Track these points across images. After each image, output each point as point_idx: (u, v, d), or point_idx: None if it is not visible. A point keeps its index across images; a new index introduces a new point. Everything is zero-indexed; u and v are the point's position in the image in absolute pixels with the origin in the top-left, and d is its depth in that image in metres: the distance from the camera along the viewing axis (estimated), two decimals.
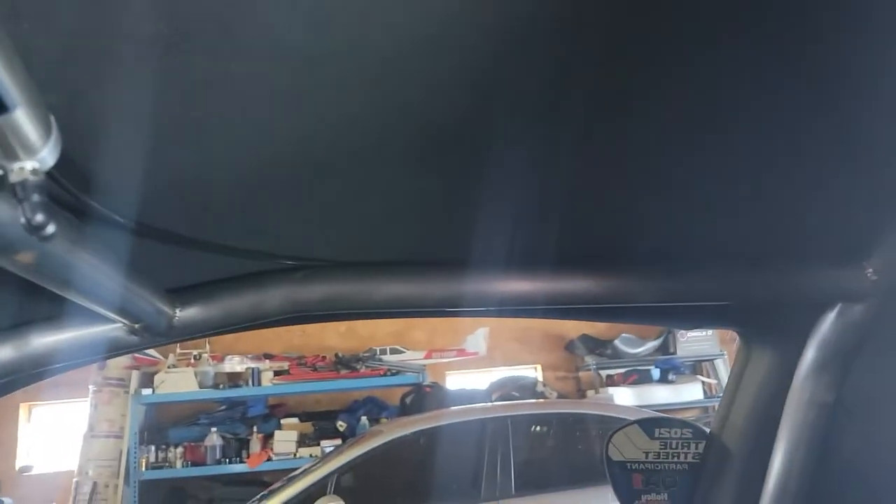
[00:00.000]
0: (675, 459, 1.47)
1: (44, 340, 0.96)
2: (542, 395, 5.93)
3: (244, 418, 6.35)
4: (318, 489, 3.97)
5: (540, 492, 4.05)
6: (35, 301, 0.87)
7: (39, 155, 0.49)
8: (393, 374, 6.20)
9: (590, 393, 6.62)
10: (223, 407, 6.43)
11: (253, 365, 6.14)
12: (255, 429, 6.19)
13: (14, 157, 0.48)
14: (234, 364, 6.16)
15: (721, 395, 1.63)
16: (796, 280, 1.17)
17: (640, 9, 0.64)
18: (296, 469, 4.79)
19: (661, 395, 6.22)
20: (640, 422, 1.53)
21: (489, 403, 5.19)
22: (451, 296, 1.12)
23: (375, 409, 6.31)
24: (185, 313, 1.03)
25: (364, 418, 6.14)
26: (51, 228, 0.53)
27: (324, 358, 6.25)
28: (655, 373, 6.42)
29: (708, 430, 1.51)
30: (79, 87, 0.61)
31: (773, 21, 0.66)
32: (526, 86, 0.73)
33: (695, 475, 1.46)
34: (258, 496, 4.28)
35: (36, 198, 0.52)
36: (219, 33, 0.58)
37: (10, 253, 0.61)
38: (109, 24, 0.54)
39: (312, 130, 0.75)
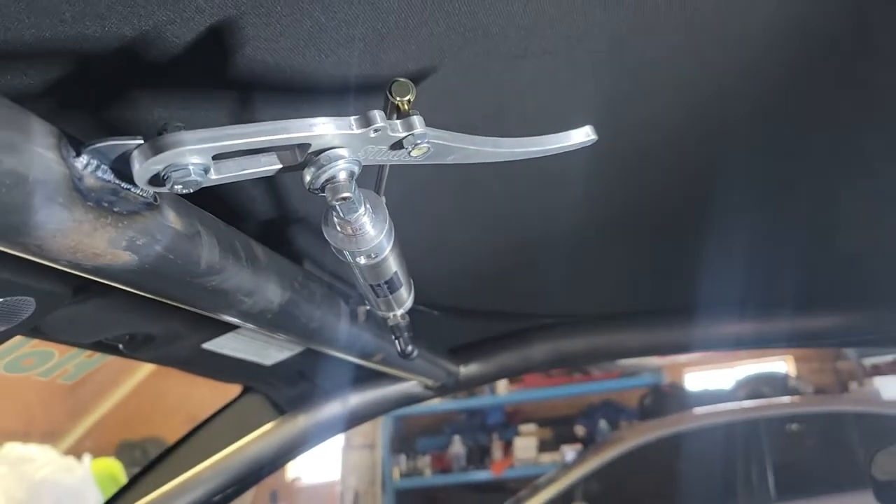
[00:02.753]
0: None
1: (362, 398, 1.32)
2: (795, 391, 5.54)
3: (483, 426, 6.58)
4: (566, 496, 3.97)
5: (802, 498, 3.73)
6: (357, 370, 1.13)
7: (406, 305, 0.71)
8: (628, 376, 6.09)
9: (852, 385, 6.00)
10: (463, 416, 6.68)
11: None
12: (494, 436, 6.37)
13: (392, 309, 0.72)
14: None
15: None
16: None
17: None
18: (538, 475, 4.83)
19: None
20: None
21: (736, 403, 4.88)
22: (687, 339, 1.30)
23: (613, 412, 6.22)
24: (468, 370, 1.30)
25: (603, 422, 6.07)
26: (415, 353, 0.91)
27: None
28: None
29: None
30: None
31: None
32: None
33: None
34: (507, 502, 4.37)
35: (406, 334, 0.85)
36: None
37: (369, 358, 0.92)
38: None
39: (566, 212, 0.86)
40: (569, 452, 5.82)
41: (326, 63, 0.50)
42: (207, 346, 0.95)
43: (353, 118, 0.42)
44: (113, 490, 3.69)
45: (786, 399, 4.99)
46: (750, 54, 0.60)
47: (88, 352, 0.90)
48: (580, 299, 1.26)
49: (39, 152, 0.35)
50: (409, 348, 0.93)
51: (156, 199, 0.44)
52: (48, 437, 4.52)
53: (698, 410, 4.61)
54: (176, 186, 0.38)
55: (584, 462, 4.28)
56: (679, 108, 0.65)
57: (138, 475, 1.39)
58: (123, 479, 3.87)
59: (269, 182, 0.65)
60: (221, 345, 0.96)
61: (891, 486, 1.34)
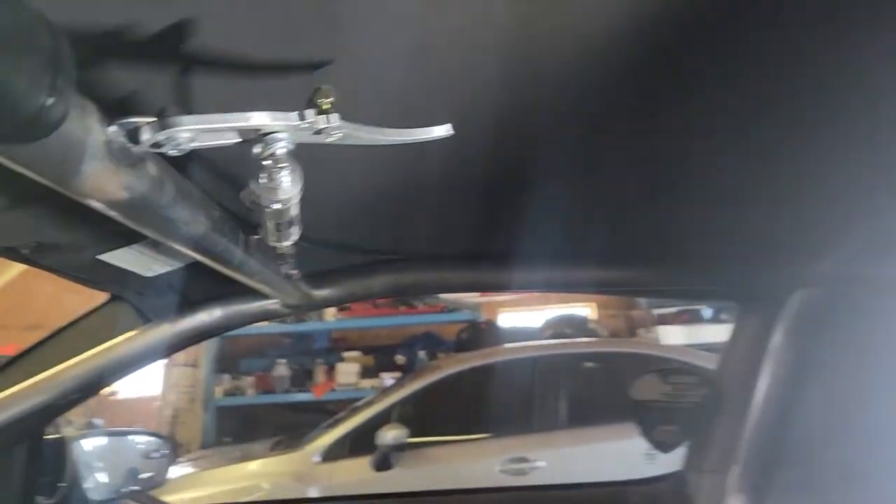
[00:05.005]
0: (684, 399, 1.69)
1: (226, 311, 1.46)
2: (593, 334, 6.07)
3: (309, 351, 6.76)
4: (382, 419, 4.23)
5: (587, 425, 4.24)
6: (220, 284, 1.23)
7: (293, 238, 0.92)
8: (449, 311, 6.48)
9: (640, 332, 6.77)
10: (290, 340, 6.84)
11: None
12: (318, 360, 6.57)
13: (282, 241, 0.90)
14: None
15: None
16: (767, 269, 1.51)
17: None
18: (358, 399, 5.08)
19: (712, 334, 6.26)
20: (656, 371, 1.76)
21: (541, 341, 5.38)
22: (507, 279, 1.54)
23: (433, 343, 6.61)
24: (321, 293, 1.49)
25: (422, 352, 6.46)
26: (296, 275, 1.28)
27: None
28: (707, 312, 6.49)
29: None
30: None
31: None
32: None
33: (698, 410, 1.70)
34: (326, 423, 4.61)
35: (291, 260, 1.15)
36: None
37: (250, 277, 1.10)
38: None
39: (411, 165, 0.99)
40: (388, 379, 6.13)
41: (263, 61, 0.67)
42: (102, 256, 1.08)
43: (295, 114, 0.60)
44: None
45: (584, 339, 5.56)
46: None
47: None
48: (415, 239, 1.43)
49: (94, 125, 0.52)
50: (293, 271, 1.21)
51: (144, 156, 0.61)
52: None
53: (508, 345, 5.04)
54: (170, 151, 0.56)
55: (402, 387, 4.57)
56: (521, 57, 0.73)
57: None
58: None
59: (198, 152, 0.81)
60: (114, 257, 1.09)
61: (644, 405, 1.73)
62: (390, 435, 3.96)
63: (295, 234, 0.89)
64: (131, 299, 1.39)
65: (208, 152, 0.82)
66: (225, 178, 0.91)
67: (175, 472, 4.18)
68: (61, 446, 1.62)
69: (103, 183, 0.57)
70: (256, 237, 0.98)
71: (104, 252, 1.07)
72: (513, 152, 0.97)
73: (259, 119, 0.59)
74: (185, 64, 0.65)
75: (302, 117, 0.60)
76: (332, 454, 4.22)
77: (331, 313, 6.51)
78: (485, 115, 0.83)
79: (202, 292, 1.43)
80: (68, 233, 0.98)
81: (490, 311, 6.79)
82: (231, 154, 0.65)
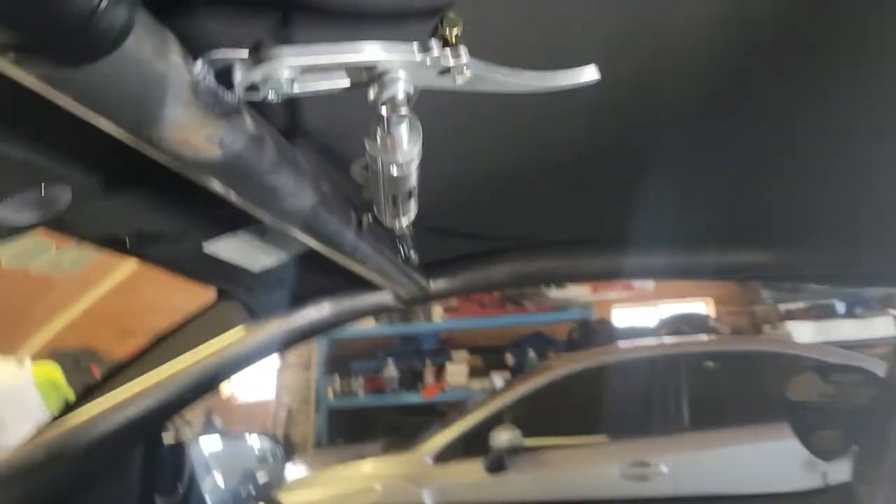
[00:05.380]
0: (849, 401, 1.50)
1: (337, 306, 1.41)
2: (714, 331, 5.80)
3: (417, 351, 6.76)
4: (495, 420, 4.13)
5: (714, 428, 4.01)
6: (328, 277, 1.21)
7: (411, 216, 0.82)
8: (559, 310, 6.31)
9: (766, 328, 6.35)
10: (397, 341, 6.84)
11: None
12: (427, 361, 6.56)
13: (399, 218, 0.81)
14: None
15: None
16: None
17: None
18: (467, 401, 5.01)
19: (847, 330, 5.78)
20: (815, 369, 1.56)
21: (658, 339, 5.15)
22: (625, 266, 1.45)
23: (543, 343, 6.45)
24: (436, 284, 1.42)
25: (532, 352, 6.31)
26: (416, 259, 1.13)
27: (491, 294, 6.44)
28: (840, 306, 6.00)
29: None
30: None
31: None
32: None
33: (867, 414, 1.49)
34: (438, 423, 4.55)
35: (410, 241, 1.03)
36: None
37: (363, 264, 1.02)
38: None
39: (534, 148, 0.94)
40: (498, 379, 6.04)
41: None
42: (207, 246, 1.02)
43: (415, 44, 0.49)
44: (53, 395, 3.70)
45: (704, 337, 5.28)
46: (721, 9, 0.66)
47: (82, 247, 0.96)
48: (539, 226, 1.36)
49: (174, 59, 0.44)
50: (413, 254, 1.09)
51: (238, 105, 0.52)
52: None
53: (623, 344, 4.85)
54: (270, 94, 0.47)
55: (514, 388, 4.46)
56: (634, 55, 0.71)
57: (106, 375, 1.44)
58: (64, 384, 3.87)
59: (296, 103, 0.71)
60: (219, 247, 1.03)
61: (800, 405, 1.55)
62: (504, 437, 3.88)
63: (413, 209, 0.79)
64: (240, 296, 1.37)
65: (309, 118, 0.72)
66: (328, 152, 0.82)
67: (290, 471, 4.23)
68: (179, 448, 1.66)
69: (190, 134, 0.48)
70: (369, 217, 0.89)
71: (208, 240, 1.01)
72: (640, 131, 0.91)
73: (373, 52, 0.49)
74: None
75: (425, 49, 0.50)
76: (444, 455, 4.16)
77: (438, 313, 6.48)
78: (618, 91, 0.77)
79: (310, 287, 1.38)
80: (169, 219, 0.92)
81: (601, 309, 6.58)
82: (335, 123, 0.54)
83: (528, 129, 0.87)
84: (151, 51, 0.41)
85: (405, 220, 0.80)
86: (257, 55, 0.45)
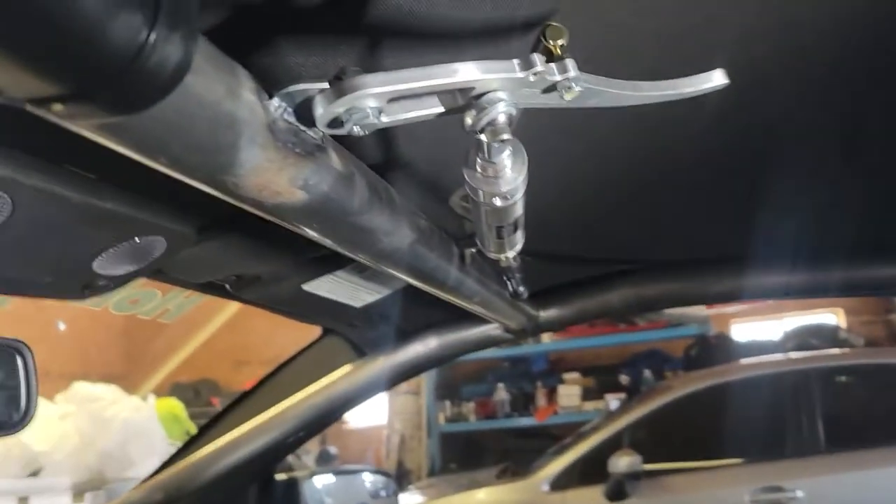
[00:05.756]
0: None
1: (443, 340, 1.35)
2: (846, 343, 5.44)
3: (528, 374, 6.66)
4: (612, 444, 3.99)
5: (853, 449, 3.72)
6: (434, 310, 1.16)
7: (517, 248, 0.76)
8: (674, 326, 6.05)
9: None
10: (507, 364, 6.76)
11: None
12: (538, 384, 6.44)
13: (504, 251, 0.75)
14: None
15: None
16: None
17: None
18: (582, 422, 4.87)
19: None
20: None
21: (786, 355, 4.84)
22: (748, 285, 1.31)
23: (658, 361, 6.22)
24: (547, 314, 1.33)
25: (647, 372, 6.08)
26: (525, 293, 1.03)
27: None
28: None
29: None
30: None
31: None
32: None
33: None
34: (552, 449, 4.43)
35: (518, 275, 0.94)
36: None
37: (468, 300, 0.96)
38: None
39: (646, 162, 0.88)
40: (613, 401, 5.84)
41: (459, 9, 0.50)
42: (306, 286, 1.00)
43: (515, 61, 0.43)
44: (175, 428, 3.87)
45: (836, 351, 4.94)
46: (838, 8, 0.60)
47: (187, 292, 0.95)
48: (655, 247, 1.27)
49: (247, 97, 0.39)
50: (521, 288, 1.02)
51: (323, 142, 0.46)
52: (105, 378, 4.71)
53: (748, 361, 4.60)
54: (355, 128, 0.41)
55: (632, 410, 4.31)
56: (761, 56, 0.66)
57: (218, 415, 1.45)
58: (185, 417, 4.02)
59: (387, 134, 0.67)
60: (319, 286, 1.01)
61: None
62: (623, 462, 3.73)
63: (520, 240, 0.72)
64: (345, 332, 1.34)
65: (401, 149, 0.68)
66: (424, 183, 0.77)
67: (405, 499, 4.22)
68: (293, 485, 1.66)
69: (270, 178, 0.43)
70: (472, 250, 0.83)
71: (307, 282, 0.99)
72: (768, 139, 0.85)
73: (468, 73, 0.42)
74: (359, 18, 0.50)
75: (527, 66, 0.43)
76: (561, 482, 4.04)
77: (547, 334, 6.36)
78: (744, 97, 0.71)
79: (415, 321, 1.35)
80: (265, 263, 0.91)
81: (720, 323, 6.28)
82: (430, 153, 0.53)
83: (642, 141, 0.81)
84: (218, 89, 0.37)
85: (511, 253, 0.75)
86: (339, 86, 0.40)
